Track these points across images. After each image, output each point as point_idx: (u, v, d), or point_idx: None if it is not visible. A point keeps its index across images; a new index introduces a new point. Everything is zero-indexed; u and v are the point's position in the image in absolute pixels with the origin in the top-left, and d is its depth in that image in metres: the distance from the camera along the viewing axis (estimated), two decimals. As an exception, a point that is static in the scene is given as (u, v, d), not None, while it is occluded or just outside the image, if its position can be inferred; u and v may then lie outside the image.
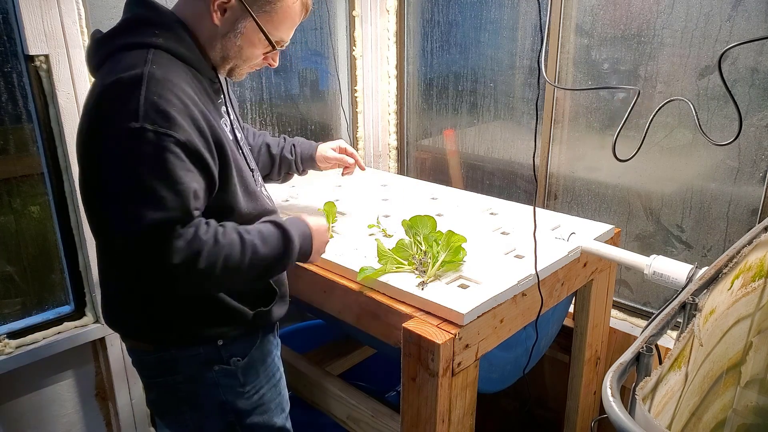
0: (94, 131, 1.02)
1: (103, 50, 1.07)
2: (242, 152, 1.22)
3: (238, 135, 1.25)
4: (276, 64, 1.25)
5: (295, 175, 1.66)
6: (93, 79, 1.12)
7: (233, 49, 1.14)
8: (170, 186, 0.98)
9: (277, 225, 1.14)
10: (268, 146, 1.58)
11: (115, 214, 0.99)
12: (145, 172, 0.97)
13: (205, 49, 1.13)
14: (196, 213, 1.02)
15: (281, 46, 1.19)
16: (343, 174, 1.70)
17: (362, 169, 1.70)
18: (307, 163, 1.63)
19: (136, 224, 0.96)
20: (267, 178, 1.60)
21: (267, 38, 1.13)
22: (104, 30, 1.11)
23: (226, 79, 1.27)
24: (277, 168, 1.59)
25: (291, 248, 1.13)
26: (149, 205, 0.97)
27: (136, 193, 0.97)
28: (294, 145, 1.61)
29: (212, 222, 1.05)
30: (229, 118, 1.22)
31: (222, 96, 1.21)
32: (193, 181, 1.01)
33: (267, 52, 1.19)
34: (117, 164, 0.98)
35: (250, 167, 1.23)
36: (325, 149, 1.65)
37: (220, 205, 1.11)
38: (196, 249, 1.00)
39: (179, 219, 0.99)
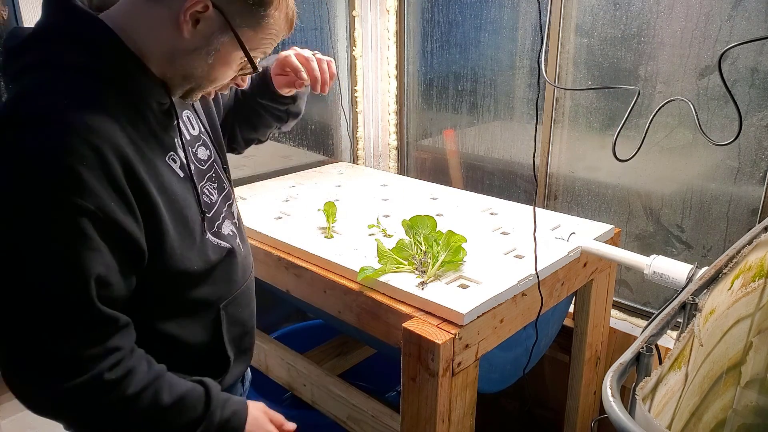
0: None
1: (10, 67, 0.84)
2: (196, 187, 0.98)
3: (201, 158, 1.03)
4: (245, 85, 1.06)
5: (289, 123, 1.39)
6: None
7: (201, 68, 0.89)
8: (62, 273, 0.77)
9: (206, 397, 0.94)
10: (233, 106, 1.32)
11: None
12: (25, 263, 0.76)
13: (150, 66, 0.88)
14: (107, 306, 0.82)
15: (261, 68, 1.00)
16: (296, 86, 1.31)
17: (317, 90, 1.30)
18: (261, 87, 1.30)
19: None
20: (263, 133, 1.38)
21: (249, 58, 0.91)
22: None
23: None
24: (254, 119, 1.33)
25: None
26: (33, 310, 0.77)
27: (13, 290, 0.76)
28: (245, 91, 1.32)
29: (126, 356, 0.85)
30: (183, 147, 0.97)
31: (174, 118, 0.96)
32: (99, 263, 0.80)
33: (240, 74, 0.97)
34: None
35: (207, 201, 1.01)
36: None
37: (165, 272, 0.90)
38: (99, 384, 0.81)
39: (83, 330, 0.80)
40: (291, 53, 1.26)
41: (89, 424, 0.87)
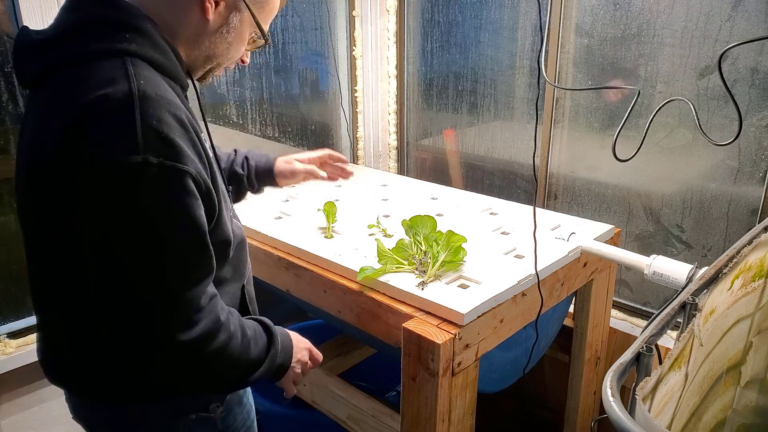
0: (65, 167, 0.79)
1: (50, 58, 0.85)
2: (220, 166, 1.04)
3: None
4: (248, 61, 1.09)
5: (249, 194, 1.43)
6: (29, 95, 0.91)
7: (222, 47, 0.96)
8: (190, 238, 0.83)
9: (267, 329, 1.03)
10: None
11: (116, 283, 0.81)
12: (157, 223, 0.80)
13: (179, 51, 0.93)
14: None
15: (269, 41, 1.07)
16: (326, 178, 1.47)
17: (344, 176, 1.45)
18: (264, 178, 1.40)
19: (153, 299, 0.81)
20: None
21: (261, 31, 0.99)
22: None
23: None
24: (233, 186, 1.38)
25: (273, 358, 1.01)
26: (170, 271, 0.81)
27: (149, 255, 0.80)
28: (247, 158, 1.39)
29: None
30: (207, 129, 1.03)
31: (199, 104, 1.03)
32: (206, 225, 0.86)
33: (249, 48, 1.04)
34: (112, 213, 0.78)
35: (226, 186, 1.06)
36: (288, 161, 1.42)
37: (215, 242, 0.93)
38: (213, 327, 0.87)
39: (203, 281, 0.86)
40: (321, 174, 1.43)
41: (211, 364, 0.91)
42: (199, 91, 1.02)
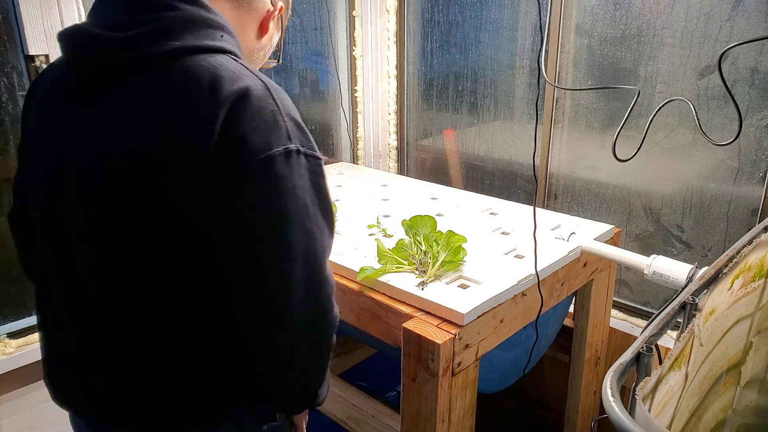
0: (218, 159, 0.78)
1: (147, 51, 0.81)
2: None
3: None
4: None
5: None
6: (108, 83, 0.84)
7: (260, 59, 1.05)
8: (331, 218, 0.88)
9: None
10: None
11: (271, 266, 0.82)
12: (308, 204, 0.83)
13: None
14: None
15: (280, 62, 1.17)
16: None
17: None
18: None
19: (314, 277, 0.84)
20: None
21: (282, 45, 1.09)
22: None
23: None
24: None
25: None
26: (320, 246, 0.84)
27: (305, 236, 0.82)
28: None
29: None
30: None
31: None
32: None
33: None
34: (273, 199, 0.80)
35: None
36: None
37: None
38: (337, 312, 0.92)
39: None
40: None
41: (327, 353, 0.93)
42: None
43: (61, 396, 0.97)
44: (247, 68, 0.84)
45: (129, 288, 0.86)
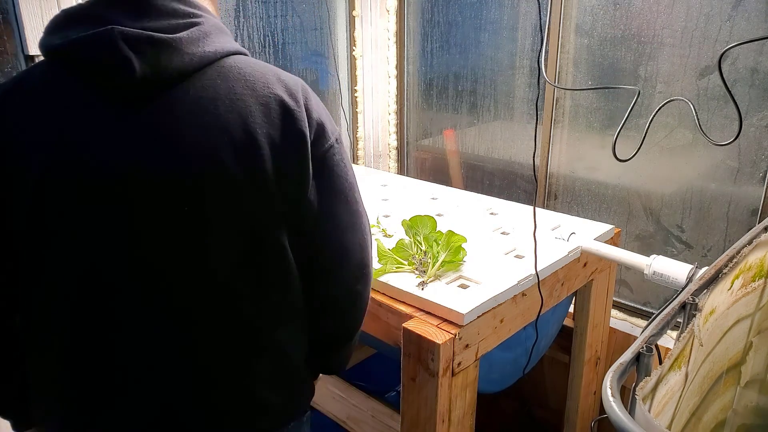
0: (304, 144, 0.88)
1: (198, 54, 0.82)
2: None
3: None
4: None
5: None
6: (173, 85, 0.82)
7: None
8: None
9: None
10: None
11: (344, 231, 0.95)
12: (353, 178, 0.97)
13: None
14: None
15: None
16: None
17: None
18: None
19: (364, 238, 0.97)
20: None
21: None
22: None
23: None
24: None
25: None
26: (364, 212, 0.99)
27: (357, 203, 0.97)
28: None
29: None
30: None
31: None
32: None
33: None
34: (341, 172, 0.94)
35: None
36: None
37: None
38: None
39: None
40: None
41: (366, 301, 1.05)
42: None
43: None
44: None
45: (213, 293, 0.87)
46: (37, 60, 1.51)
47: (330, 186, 0.93)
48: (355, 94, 2.46)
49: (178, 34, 0.80)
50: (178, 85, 0.81)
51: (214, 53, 0.83)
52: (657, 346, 0.74)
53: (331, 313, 1.01)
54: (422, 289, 1.26)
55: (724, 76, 1.57)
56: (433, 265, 1.32)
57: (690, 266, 1.23)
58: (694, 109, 1.57)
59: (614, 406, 0.61)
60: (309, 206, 0.90)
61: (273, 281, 0.90)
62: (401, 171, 2.60)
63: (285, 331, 0.94)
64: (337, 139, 0.93)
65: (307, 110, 0.88)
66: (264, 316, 0.91)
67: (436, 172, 2.49)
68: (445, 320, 1.19)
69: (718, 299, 0.90)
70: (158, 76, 0.79)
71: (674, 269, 1.25)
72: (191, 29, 0.82)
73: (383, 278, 1.31)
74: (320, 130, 0.90)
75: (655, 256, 1.29)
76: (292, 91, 0.88)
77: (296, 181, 0.88)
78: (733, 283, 0.94)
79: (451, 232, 1.36)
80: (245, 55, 0.89)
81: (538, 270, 1.30)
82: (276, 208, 0.87)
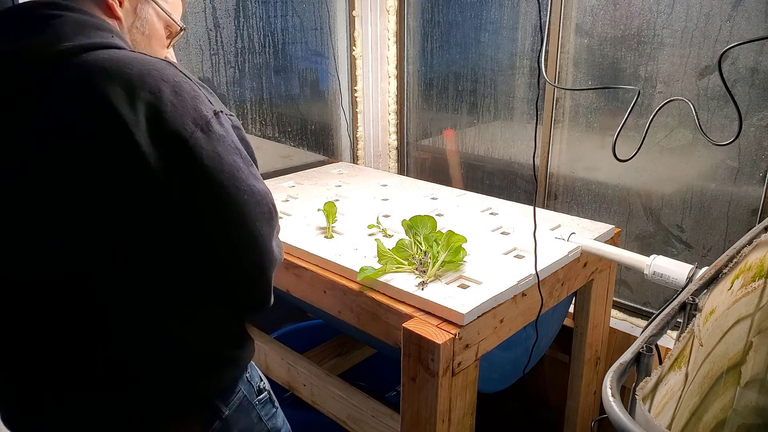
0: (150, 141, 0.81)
1: (34, 63, 0.82)
2: None
3: None
4: (173, 58, 1.09)
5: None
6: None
7: (143, 42, 0.98)
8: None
9: None
10: None
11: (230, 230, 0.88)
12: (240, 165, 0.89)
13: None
14: None
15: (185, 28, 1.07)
16: None
17: None
18: None
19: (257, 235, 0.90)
20: None
21: (172, 19, 1.01)
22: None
23: None
24: None
25: None
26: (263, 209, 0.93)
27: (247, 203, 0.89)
28: None
29: None
30: None
31: None
32: None
33: (171, 42, 1.06)
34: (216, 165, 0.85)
35: None
36: None
37: None
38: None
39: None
40: None
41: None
42: None
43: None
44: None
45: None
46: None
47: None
48: (355, 94, 2.46)
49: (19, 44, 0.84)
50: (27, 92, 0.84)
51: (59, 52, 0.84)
52: (657, 346, 0.74)
53: None
54: (422, 289, 1.26)
55: (724, 76, 1.57)
56: (433, 265, 1.32)
57: (690, 266, 1.23)
58: (694, 109, 1.57)
59: (614, 406, 0.61)
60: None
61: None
62: (401, 171, 2.60)
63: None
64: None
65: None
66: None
67: (436, 172, 2.49)
68: (445, 320, 1.19)
69: (718, 299, 0.90)
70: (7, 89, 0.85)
71: (674, 269, 1.25)
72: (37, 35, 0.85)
73: (383, 278, 1.31)
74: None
75: (655, 256, 1.29)
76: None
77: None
78: (733, 283, 0.94)
79: (451, 232, 1.36)
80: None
81: (538, 270, 1.30)
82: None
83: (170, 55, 1.08)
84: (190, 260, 0.88)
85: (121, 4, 0.93)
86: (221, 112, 0.87)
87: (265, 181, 0.99)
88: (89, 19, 0.87)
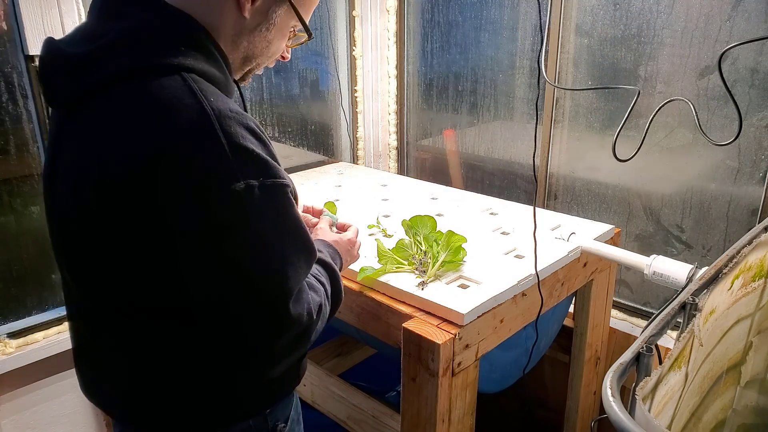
0: (144, 196, 0.73)
1: (93, 76, 0.75)
2: None
3: None
4: (289, 57, 1.00)
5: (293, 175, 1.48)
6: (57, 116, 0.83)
7: (261, 46, 0.89)
8: (304, 242, 0.84)
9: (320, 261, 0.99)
10: None
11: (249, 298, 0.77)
12: (272, 240, 0.77)
13: (226, 55, 0.85)
14: None
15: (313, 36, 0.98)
16: None
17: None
18: None
19: (280, 303, 0.78)
20: None
21: (304, 25, 0.93)
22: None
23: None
24: None
25: (337, 275, 1.01)
26: (289, 275, 0.79)
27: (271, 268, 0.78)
28: None
29: None
30: None
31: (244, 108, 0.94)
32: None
33: (291, 45, 0.98)
34: (228, 240, 0.75)
35: None
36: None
37: None
38: (315, 307, 0.86)
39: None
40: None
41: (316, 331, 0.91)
42: (243, 97, 0.96)
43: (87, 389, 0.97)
44: (193, 91, 0.74)
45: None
46: (36, 60, 1.51)
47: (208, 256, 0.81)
48: (355, 94, 2.46)
49: (75, 50, 0.78)
50: (71, 111, 0.81)
51: (102, 74, 0.77)
52: (657, 346, 0.74)
53: None
54: (422, 289, 1.26)
55: (724, 76, 1.57)
56: (433, 265, 1.32)
57: (690, 266, 1.23)
58: (694, 109, 1.57)
59: (614, 406, 0.61)
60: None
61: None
62: (401, 171, 2.60)
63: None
64: (209, 201, 0.77)
65: (167, 163, 0.76)
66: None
67: (436, 172, 2.49)
68: (445, 320, 1.19)
69: (718, 299, 0.90)
70: (58, 102, 0.83)
71: (674, 269, 1.25)
72: (90, 44, 0.79)
73: (383, 278, 1.31)
74: (180, 185, 0.77)
75: (655, 256, 1.29)
76: (157, 140, 0.75)
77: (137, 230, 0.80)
78: (733, 283, 0.94)
79: (451, 232, 1.36)
80: (181, 70, 0.79)
81: (538, 270, 1.30)
82: None
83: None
84: None
85: (253, 2, 0.84)
86: (253, 186, 0.75)
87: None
88: (158, 22, 0.78)
